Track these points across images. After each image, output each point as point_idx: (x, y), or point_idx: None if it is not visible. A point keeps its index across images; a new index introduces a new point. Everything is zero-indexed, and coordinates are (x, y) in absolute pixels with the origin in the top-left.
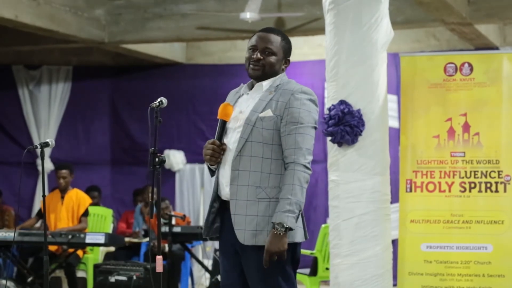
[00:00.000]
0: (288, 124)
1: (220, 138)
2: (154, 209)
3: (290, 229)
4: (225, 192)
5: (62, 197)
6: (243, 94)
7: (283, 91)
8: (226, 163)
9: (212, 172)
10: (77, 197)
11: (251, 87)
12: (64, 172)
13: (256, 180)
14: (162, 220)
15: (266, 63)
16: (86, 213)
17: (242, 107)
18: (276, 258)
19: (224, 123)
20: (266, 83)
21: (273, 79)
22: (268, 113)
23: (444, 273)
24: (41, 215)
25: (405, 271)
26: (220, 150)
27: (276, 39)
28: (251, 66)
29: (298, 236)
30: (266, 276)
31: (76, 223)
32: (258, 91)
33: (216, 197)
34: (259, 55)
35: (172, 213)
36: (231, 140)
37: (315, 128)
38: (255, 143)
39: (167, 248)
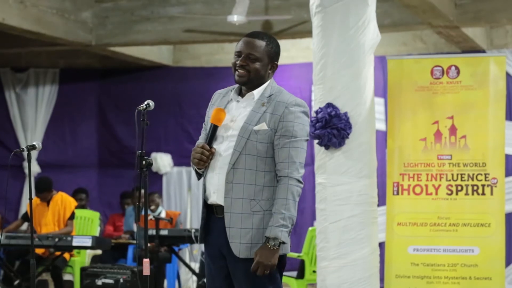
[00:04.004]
0: (282, 138)
1: (210, 143)
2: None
3: (283, 243)
4: (213, 199)
5: (48, 202)
6: (231, 100)
7: (277, 103)
8: (215, 170)
9: (199, 175)
10: (63, 201)
11: (239, 92)
12: (42, 195)
13: (250, 193)
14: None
15: (251, 69)
16: (72, 216)
17: (232, 115)
18: (267, 271)
19: (215, 128)
20: (256, 92)
21: (263, 88)
22: (263, 126)
23: (431, 275)
24: (27, 217)
25: (392, 274)
26: (209, 155)
27: (260, 44)
28: (236, 72)
29: (288, 248)
30: (255, 283)
31: (63, 226)
32: (249, 100)
33: (204, 202)
34: (243, 61)
35: (162, 209)
36: (221, 147)
37: (307, 140)
38: (249, 156)
39: None
